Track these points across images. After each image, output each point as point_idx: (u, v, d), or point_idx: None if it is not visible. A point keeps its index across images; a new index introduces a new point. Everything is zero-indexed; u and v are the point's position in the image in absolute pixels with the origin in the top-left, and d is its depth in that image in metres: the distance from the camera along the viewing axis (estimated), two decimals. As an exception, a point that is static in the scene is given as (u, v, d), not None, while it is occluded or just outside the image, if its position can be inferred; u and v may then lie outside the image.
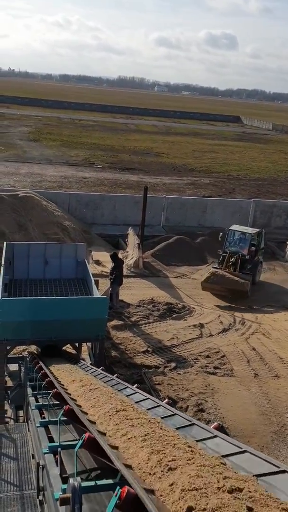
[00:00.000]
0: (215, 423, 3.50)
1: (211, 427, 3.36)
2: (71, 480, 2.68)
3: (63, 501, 2.68)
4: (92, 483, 3.10)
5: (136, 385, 5.70)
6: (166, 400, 4.50)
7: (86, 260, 13.52)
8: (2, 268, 11.58)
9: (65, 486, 3.20)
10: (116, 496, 2.19)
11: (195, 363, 12.88)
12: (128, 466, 2.78)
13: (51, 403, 5.38)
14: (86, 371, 7.60)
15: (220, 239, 18.80)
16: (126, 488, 2.22)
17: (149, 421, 3.64)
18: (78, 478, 2.73)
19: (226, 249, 18.52)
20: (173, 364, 12.69)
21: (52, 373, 7.00)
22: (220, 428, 3.37)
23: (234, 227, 19.19)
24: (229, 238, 18.74)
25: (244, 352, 13.66)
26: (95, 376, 6.81)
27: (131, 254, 20.60)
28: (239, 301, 17.28)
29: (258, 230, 19.47)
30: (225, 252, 18.43)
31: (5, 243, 13.29)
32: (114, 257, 16.56)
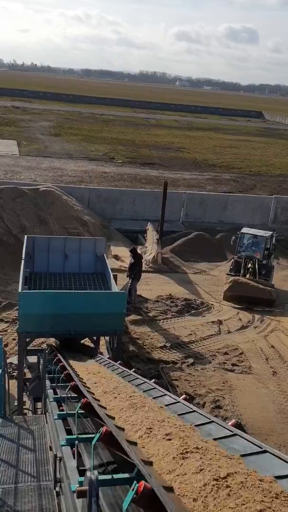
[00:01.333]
0: (233, 420, 3.46)
1: (229, 424, 3.33)
2: (88, 473, 2.69)
3: (80, 494, 2.69)
4: (109, 476, 3.10)
5: (153, 380, 5.69)
6: (184, 396, 4.45)
7: (105, 255, 13.57)
8: (22, 261, 11.70)
9: (82, 478, 3.22)
10: (133, 491, 2.19)
11: (213, 359, 12.84)
12: (147, 462, 2.77)
13: (69, 395, 5.41)
14: (104, 365, 7.62)
15: (232, 243, 18.05)
16: (143, 483, 2.21)
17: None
18: (95, 471, 2.74)
19: (239, 254, 17.75)
20: (190, 360, 12.67)
21: (71, 366, 7.04)
22: (238, 426, 3.34)
23: (245, 230, 18.38)
24: (242, 242, 17.94)
25: (262, 349, 13.56)
26: (112, 370, 6.82)
27: (150, 249, 20.60)
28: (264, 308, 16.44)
29: (271, 232, 18.60)
30: (240, 258, 17.63)
31: (25, 236, 13.43)
32: (133, 252, 16.57)
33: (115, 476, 3.08)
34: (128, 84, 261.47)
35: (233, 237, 18.09)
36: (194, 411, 3.74)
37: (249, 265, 17.33)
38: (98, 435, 3.11)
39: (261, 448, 2.82)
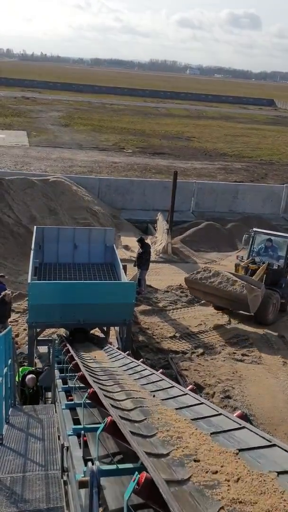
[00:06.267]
0: (239, 411, 3.44)
1: (234, 415, 3.31)
2: (89, 464, 2.69)
3: (82, 484, 2.70)
4: (113, 466, 3.11)
5: (161, 370, 5.68)
6: (191, 386, 4.44)
7: (114, 245, 13.56)
8: (32, 252, 11.73)
9: (86, 469, 3.23)
10: (134, 481, 2.18)
11: (222, 349, 12.80)
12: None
13: (77, 385, 5.43)
14: (113, 355, 7.63)
15: (244, 242, 15.35)
16: (144, 474, 2.20)
17: None
18: (97, 462, 2.74)
19: (252, 258, 14.75)
20: (200, 350, 12.65)
21: (80, 356, 7.06)
22: (244, 417, 3.32)
23: (258, 230, 15.13)
24: (257, 243, 14.96)
25: (272, 339, 13.49)
26: (120, 359, 6.83)
27: (160, 239, 20.55)
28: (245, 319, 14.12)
29: None
30: (253, 262, 14.44)
31: (35, 227, 13.47)
32: (141, 242, 16.52)
33: (120, 466, 3.08)
34: (138, 73, 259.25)
35: (245, 235, 15.22)
36: (186, 393, 4.18)
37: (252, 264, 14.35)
38: (103, 425, 3.11)
39: (240, 425, 3.17)
